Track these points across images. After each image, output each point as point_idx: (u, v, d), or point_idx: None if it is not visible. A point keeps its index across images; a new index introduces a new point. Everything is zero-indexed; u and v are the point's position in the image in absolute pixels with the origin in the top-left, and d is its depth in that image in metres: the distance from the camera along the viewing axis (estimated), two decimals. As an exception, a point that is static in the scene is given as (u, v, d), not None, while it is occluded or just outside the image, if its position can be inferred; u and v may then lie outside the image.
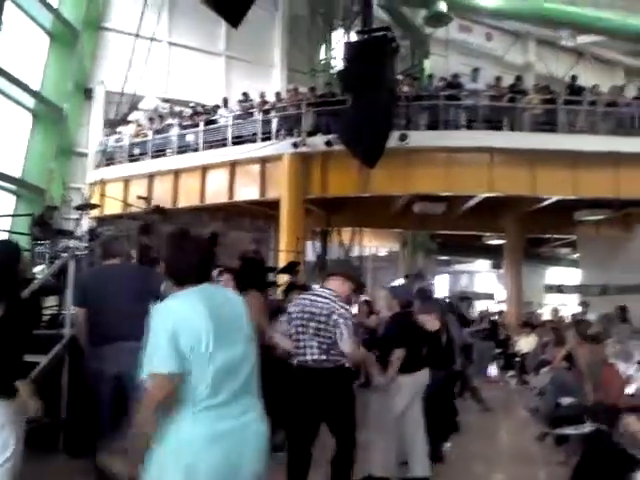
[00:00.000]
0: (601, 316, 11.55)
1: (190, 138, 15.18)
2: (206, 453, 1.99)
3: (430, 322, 5.49)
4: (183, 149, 15.17)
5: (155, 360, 2.02)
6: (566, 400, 6.17)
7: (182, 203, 15.24)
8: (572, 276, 24.12)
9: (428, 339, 5.28)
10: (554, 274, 27.12)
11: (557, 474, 5.00)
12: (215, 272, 4.65)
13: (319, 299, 4.06)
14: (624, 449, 3.76)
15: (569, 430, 5.14)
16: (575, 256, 23.52)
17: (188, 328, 2.04)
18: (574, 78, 14.93)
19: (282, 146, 13.63)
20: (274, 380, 4.86)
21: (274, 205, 14.22)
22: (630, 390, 5.30)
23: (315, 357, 3.94)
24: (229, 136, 14.44)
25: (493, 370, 12.59)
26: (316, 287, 4.23)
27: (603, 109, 13.59)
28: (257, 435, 2.15)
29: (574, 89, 14.18)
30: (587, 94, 14.10)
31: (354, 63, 11.87)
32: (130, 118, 16.82)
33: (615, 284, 17.64)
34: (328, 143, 12.81)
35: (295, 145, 13.27)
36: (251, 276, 5.29)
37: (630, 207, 16.27)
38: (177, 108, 16.73)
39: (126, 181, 16.16)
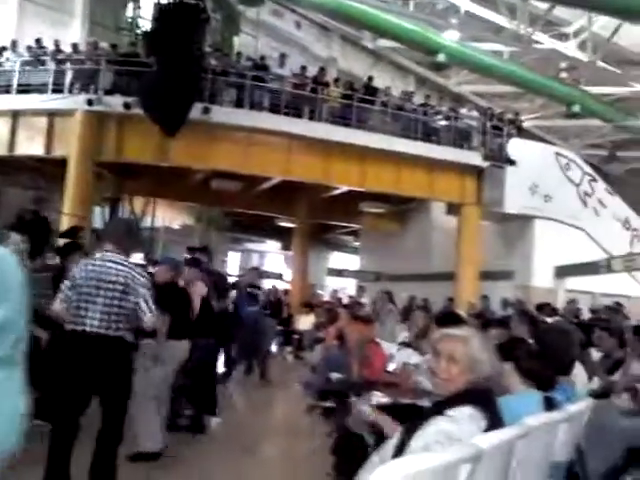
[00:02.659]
0: (374, 300, 12.63)
1: (-34, 79, 13.38)
2: None
3: (199, 288, 5.55)
4: (-42, 90, 13.31)
5: None
6: (335, 375, 6.64)
7: (-50, 151, 13.40)
8: (352, 262, 25.89)
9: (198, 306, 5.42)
10: (337, 259, 28.87)
11: (321, 443, 5.37)
12: (2, 231, 4.16)
13: (112, 265, 3.80)
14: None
15: (334, 403, 5.54)
16: (356, 244, 25.33)
17: None
18: (370, 79, 15.97)
19: (75, 101, 12.65)
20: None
21: (61, 164, 13.15)
22: (390, 368, 5.86)
23: (97, 325, 3.70)
24: (14, 83, 12.99)
25: (273, 346, 13.11)
26: (106, 253, 3.89)
27: (392, 111, 14.76)
28: (12, 406, 1.95)
29: (369, 89, 15.17)
30: (381, 95, 15.19)
31: (162, 26, 11.38)
32: None
33: (388, 272, 19.40)
34: (127, 105, 12.17)
35: (90, 102, 12.40)
36: (36, 236, 4.82)
37: (407, 204, 17.98)
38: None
39: None
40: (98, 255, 3.95)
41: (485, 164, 15.07)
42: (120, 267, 3.81)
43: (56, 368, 3.83)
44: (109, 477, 3.75)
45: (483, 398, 2.25)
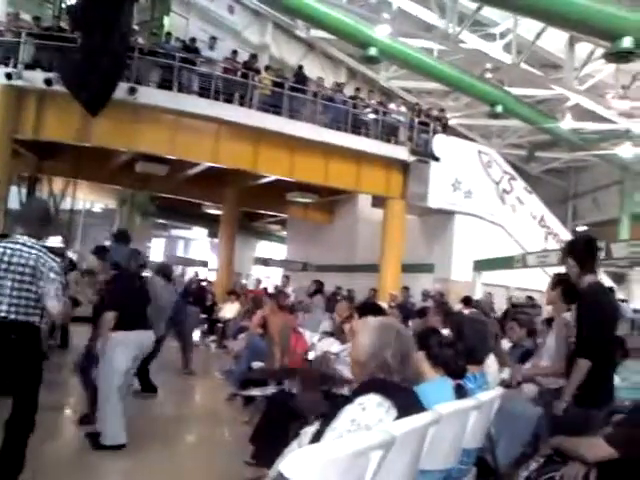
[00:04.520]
0: (305, 289, 12.71)
1: None
2: None
3: None
4: None
5: None
6: (257, 364, 6.66)
7: None
8: (279, 251, 25.93)
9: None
10: (263, 248, 28.83)
11: (241, 432, 5.37)
12: None
13: (23, 248, 3.64)
14: (298, 407, 4.20)
15: (255, 391, 5.57)
16: (283, 233, 25.38)
17: None
18: (300, 68, 15.97)
19: (-8, 74, 11.99)
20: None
21: (-27, 140, 12.46)
22: (311, 356, 5.93)
23: (5, 311, 3.53)
24: None
25: (196, 335, 12.96)
26: (17, 236, 3.70)
27: (323, 102, 14.82)
28: None
29: (300, 78, 15.15)
30: (312, 85, 15.21)
31: (89, 1, 10.94)
32: None
33: (314, 262, 19.56)
34: (48, 81, 11.65)
35: (9, 76, 11.80)
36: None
37: (334, 195, 18.14)
38: None
39: None
40: (9, 238, 3.78)
41: (411, 159, 15.39)
42: (32, 251, 3.66)
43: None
44: (17, 466, 3.61)
45: (389, 387, 2.30)
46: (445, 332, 3.69)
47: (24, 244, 3.68)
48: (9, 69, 11.94)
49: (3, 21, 13.35)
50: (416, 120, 15.96)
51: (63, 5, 16.76)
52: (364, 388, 2.33)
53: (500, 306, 12.81)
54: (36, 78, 11.92)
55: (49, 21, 14.14)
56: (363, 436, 2.01)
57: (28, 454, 3.67)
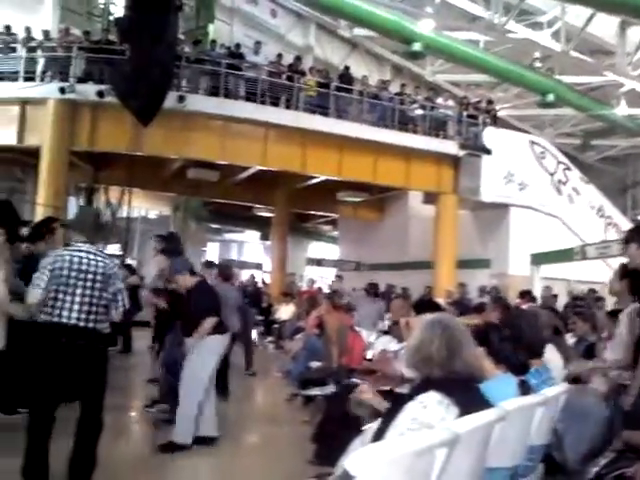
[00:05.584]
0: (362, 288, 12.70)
1: None
2: None
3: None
4: None
5: None
6: (315, 364, 6.68)
7: None
8: (331, 251, 25.96)
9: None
10: (316, 248, 28.92)
11: (301, 432, 5.40)
12: None
13: (90, 256, 3.74)
14: (352, 413, 4.18)
15: (314, 391, 5.59)
16: (335, 233, 25.39)
17: None
18: (347, 68, 15.95)
19: (47, 89, 12.43)
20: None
21: (33, 153, 12.94)
22: (369, 355, 5.92)
23: (75, 317, 3.64)
24: (-17, 71, 12.73)
25: (254, 335, 13.12)
26: (80, 244, 3.81)
27: (369, 100, 14.76)
28: None
29: (346, 78, 15.14)
30: (357, 84, 15.17)
31: (135, 13, 11.20)
32: None
33: (366, 261, 19.49)
34: (100, 93, 11.98)
35: (62, 90, 12.18)
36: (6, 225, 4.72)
37: (384, 193, 18.04)
38: None
39: None
40: (72, 246, 3.88)
41: (461, 153, 15.16)
42: (99, 258, 3.77)
43: (32, 360, 3.78)
44: (89, 467, 3.73)
45: (449, 384, 2.27)
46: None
47: (89, 252, 3.78)
48: (63, 83, 12.32)
49: (55, 37, 13.79)
50: (464, 113, 15.71)
51: (111, 18, 17.26)
52: (424, 386, 2.32)
53: (560, 300, 12.44)
54: (89, 91, 12.26)
55: (98, 35, 14.54)
56: (426, 434, 2.00)
57: (99, 454, 3.78)
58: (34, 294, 3.67)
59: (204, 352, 4.98)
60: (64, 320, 3.65)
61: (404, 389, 4.26)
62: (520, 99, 22.23)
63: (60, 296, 3.66)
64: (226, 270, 7.94)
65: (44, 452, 3.63)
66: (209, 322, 5.00)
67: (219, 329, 5.13)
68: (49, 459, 3.65)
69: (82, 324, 3.67)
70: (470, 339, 2.48)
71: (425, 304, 4.58)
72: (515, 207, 15.62)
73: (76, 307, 3.66)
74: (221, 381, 7.24)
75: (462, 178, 15.36)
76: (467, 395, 2.28)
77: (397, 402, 2.43)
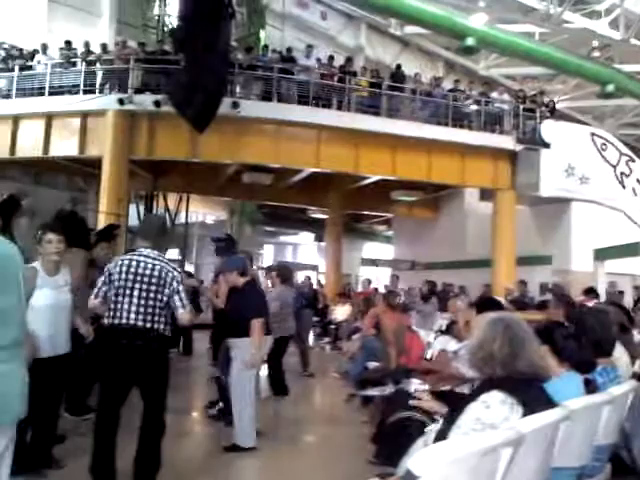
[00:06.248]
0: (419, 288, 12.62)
1: (1, 84, 13.69)
2: None
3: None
4: (-8, 95, 13.66)
5: None
6: (373, 364, 6.66)
7: (-12, 155, 13.74)
8: (386, 251, 25.83)
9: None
10: (370, 248, 28.82)
11: (361, 433, 5.40)
12: (39, 231, 4.26)
13: (147, 260, 3.87)
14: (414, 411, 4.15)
15: (373, 391, 5.57)
16: (389, 233, 25.26)
17: None
18: (399, 67, 15.83)
19: (106, 101, 12.83)
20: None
21: (95, 163, 13.41)
22: (428, 355, 5.86)
23: (133, 318, 3.77)
24: (47, 85, 13.26)
25: (311, 337, 13.19)
26: (141, 249, 3.95)
27: (422, 98, 14.62)
28: (22, 382, 2.21)
29: (398, 76, 15.04)
30: (409, 82, 15.04)
31: (189, 22, 11.45)
32: None
33: (422, 260, 19.30)
34: (157, 103, 12.31)
35: (121, 101, 12.57)
36: (75, 234, 4.92)
37: (439, 191, 17.82)
38: (-12, 49, 14.97)
39: None
40: (134, 251, 4.04)
41: (518, 147, 14.82)
42: (155, 262, 3.89)
43: (99, 361, 3.94)
44: (153, 467, 3.84)
45: (512, 383, 2.24)
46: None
47: (147, 256, 3.90)
48: (121, 94, 12.69)
49: (113, 50, 14.25)
50: (521, 107, 15.36)
51: (165, 29, 17.72)
52: (486, 385, 2.29)
53: (626, 296, 12.00)
54: (146, 101, 12.60)
55: (153, 46, 14.93)
56: (491, 434, 1.99)
57: (163, 454, 3.88)
58: (92, 299, 3.94)
59: (247, 354, 5.03)
60: (123, 321, 3.79)
61: (464, 389, 4.21)
62: (579, 90, 21.61)
63: (119, 299, 3.82)
64: (285, 272, 8.00)
65: (110, 451, 3.76)
66: (258, 324, 5.04)
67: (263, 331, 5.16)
68: (116, 458, 3.78)
69: (140, 324, 3.79)
70: (533, 337, 2.43)
71: (486, 302, 4.49)
72: (577, 201, 15.16)
73: (134, 309, 3.79)
74: (277, 382, 7.36)
75: (520, 173, 15.01)
76: (531, 394, 2.25)
77: (459, 402, 2.42)
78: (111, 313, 3.84)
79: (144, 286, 3.81)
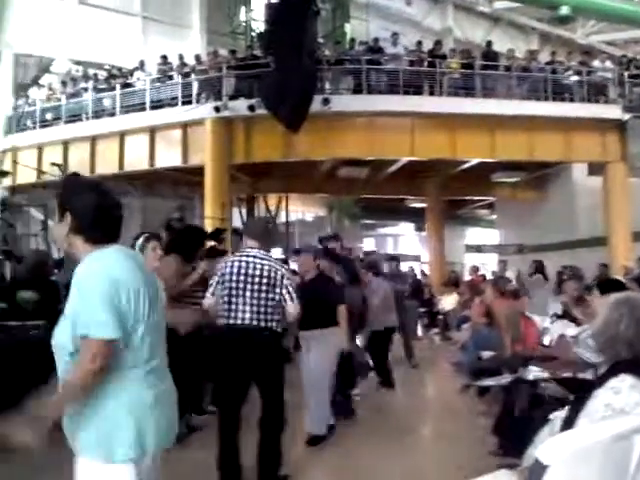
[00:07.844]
0: (519, 273, 12.14)
1: (107, 103, 14.58)
2: (153, 412, 1.97)
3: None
4: (99, 114, 14.57)
5: (93, 326, 1.86)
6: (486, 353, 6.48)
7: (100, 170, 14.61)
8: (490, 236, 25.07)
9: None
10: (474, 234, 28.07)
11: (480, 424, 5.26)
12: (141, 239, 4.52)
13: (256, 260, 3.97)
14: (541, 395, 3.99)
15: (489, 381, 5.41)
16: (493, 217, 24.47)
17: (127, 289, 1.93)
18: (489, 44, 15.30)
19: (204, 110, 13.32)
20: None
21: (197, 171, 13.95)
22: (546, 341, 5.62)
23: (248, 319, 3.88)
24: (147, 100, 13.98)
25: (418, 328, 13.04)
26: (249, 250, 4.06)
27: (518, 74, 14.03)
28: (175, 398, 2.17)
29: (490, 55, 14.53)
30: (502, 59, 14.49)
31: (275, 25, 11.68)
32: (41, 82, 15.96)
33: (530, 243, 18.54)
34: (251, 107, 12.62)
35: (217, 109, 12.99)
36: (183, 244, 5.15)
37: (544, 169, 17.04)
38: (91, 71, 15.98)
39: (39, 148, 15.41)
40: (242, 252, 4.14)
41: (626, 116, 13.89)
42: (264, 261, 3.98)
43: (217, 361, 4.08)
44: (275, 462, 3.93)
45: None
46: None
47: (255, 256, 4.01)
48: (216, 103, 13.10)
49: (205, 60, 14.75)
50: (625, 74, 14.37)
51: (253, 34, 18.12)
52: (613, 370, 2.18)
53: None
54: (240, 106, 12.94)
55: (243, 52, 15.31)
56: (623, 420, 1.88)
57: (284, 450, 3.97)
58: (207, 299, 4.09)
59: (325, 346, 5.04)
60: (239, 322, 3.90)
61: (587, 375, 4.00)
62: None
63: (233, 299, 3.93)
64: (373, 264, 8.01)
65: (234, 447, 3.89)
66: (343, 313, 5.07)
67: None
68: (240, 453, 3.90)
69: (255, 323, 3.89)
70: None
71: (610, 283, 4.23)
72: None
73: (247, 308, 3.90)
74: (383, 374, 7.33)
75: (630, 144, 14.06)
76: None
77: (584, 389, 2.31)
78: (225, 314, 3.96)
79: (255, 287, 3.91)
